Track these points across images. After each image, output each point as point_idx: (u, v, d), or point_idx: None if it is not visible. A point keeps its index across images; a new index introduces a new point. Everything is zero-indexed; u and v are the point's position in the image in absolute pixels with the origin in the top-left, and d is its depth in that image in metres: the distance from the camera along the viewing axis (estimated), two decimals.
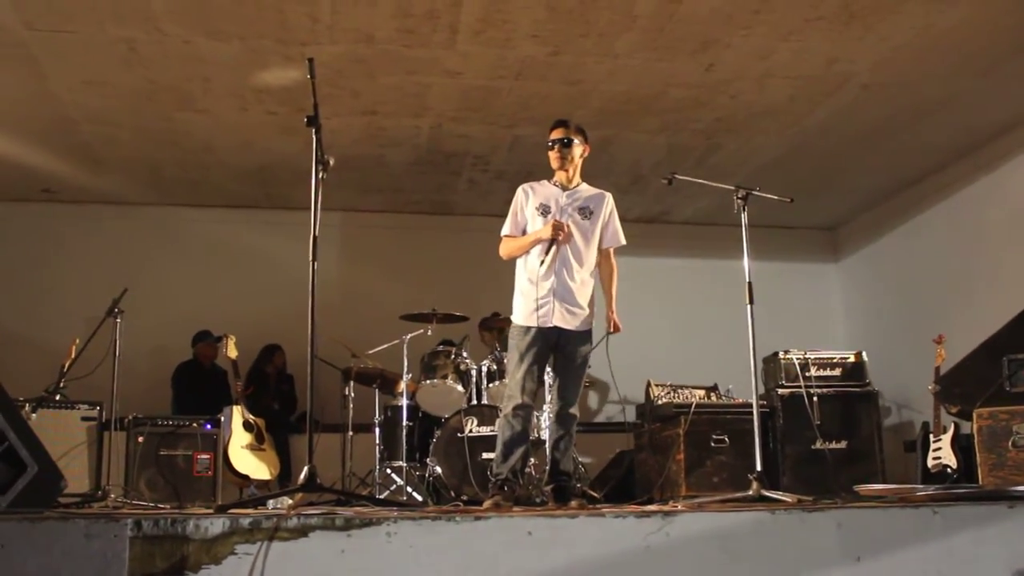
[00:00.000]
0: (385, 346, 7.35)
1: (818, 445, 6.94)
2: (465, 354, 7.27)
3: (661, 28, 5.99)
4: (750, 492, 4.57)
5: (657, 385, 7.27)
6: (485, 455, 6.63)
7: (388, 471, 7.11)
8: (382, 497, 6.49)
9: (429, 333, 7.31)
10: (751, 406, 4.99)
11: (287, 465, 7.51)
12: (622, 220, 5.19)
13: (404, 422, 7.13)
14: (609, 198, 5.16)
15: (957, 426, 6.83)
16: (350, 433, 7.44)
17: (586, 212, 5.05)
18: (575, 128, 5.11)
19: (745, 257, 5.03)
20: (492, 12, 5.77)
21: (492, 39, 6.09)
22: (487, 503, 4.73)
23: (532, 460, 6.27)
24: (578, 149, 5.09)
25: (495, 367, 7.13)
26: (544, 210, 5.02)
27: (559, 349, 4.98)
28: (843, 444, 7.06)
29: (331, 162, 4.27)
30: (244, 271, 9.06)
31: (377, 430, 7.37)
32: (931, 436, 7.00)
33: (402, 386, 7.25)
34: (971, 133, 7.74)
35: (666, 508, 3.66)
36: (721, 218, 7.77)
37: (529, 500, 5.99)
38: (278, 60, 6.30)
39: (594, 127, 5.52)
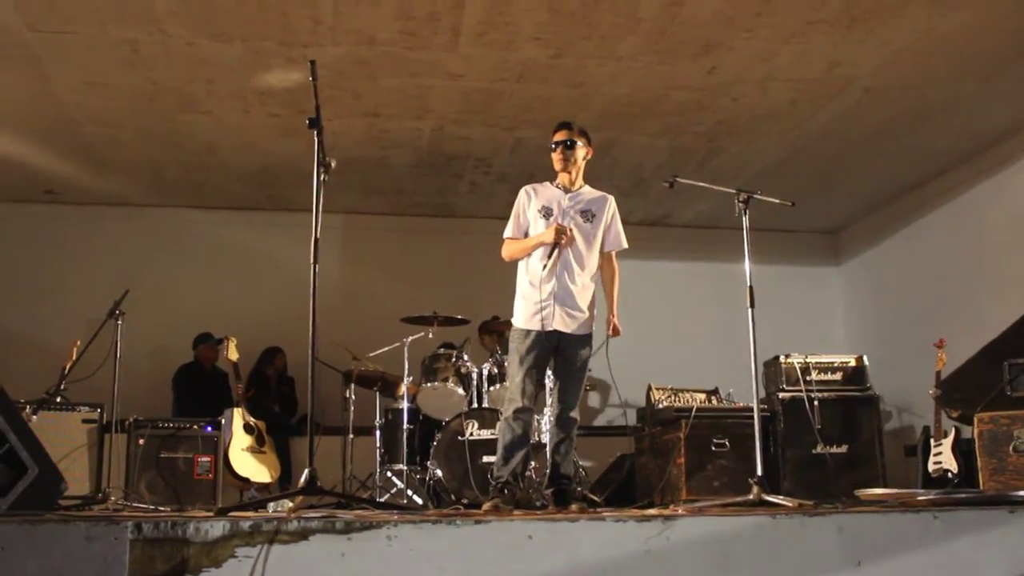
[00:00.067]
0: (386, 349, 7.35)
1: (819, 449, 6.94)
2: (466, 357, 7.27)
3: (663, 31, 5.99)
4: (751, 496, 4.56)
5: (658, 389, 7.27)
6: (486, 458, 6.63)
7: (389, 474, 7.11)
8: (382, 500, 6.48)
9: (430, 336, 7.31)
10: (752, 410, 4.98)
11: (288, 468, 7.51)
12: (623, 223, 5.20)
13: (405, 425, 7.12)
14: (611, 201, 5.16)
15: (958, 431, 6.82)
16: (351, 436, 7.44)
17: (588, 215, 5.05)
18: (578, 130, 5.12)
19: (746, 260, 5.02)
20: (494, 14, 5.77)
21: (494, 41, 6.09)
22: (486, 505, 4.74)
23: (533, 463, 6.28)
24: (581, 151, 5.10)
25: (496, 370, 7.13)
26: (546, 212, 5.02)
27: (559, 352, 4.98)
28: (844, 448, 7.06)
29: (333, 164, 4.26)
30: (246, 273, 9.06)
31: (378, 433, 7.37)
32: (932, 441, 6.99)
33: (403, 389, 7.25)
34: (973, 137, 7.74)
35: (666, 512, 3.66)
36: (722, 221, 7.77)
37: (529, 504, 5.99)
38: (280, 62, 6.31)
39: (596, 130, 5.51)
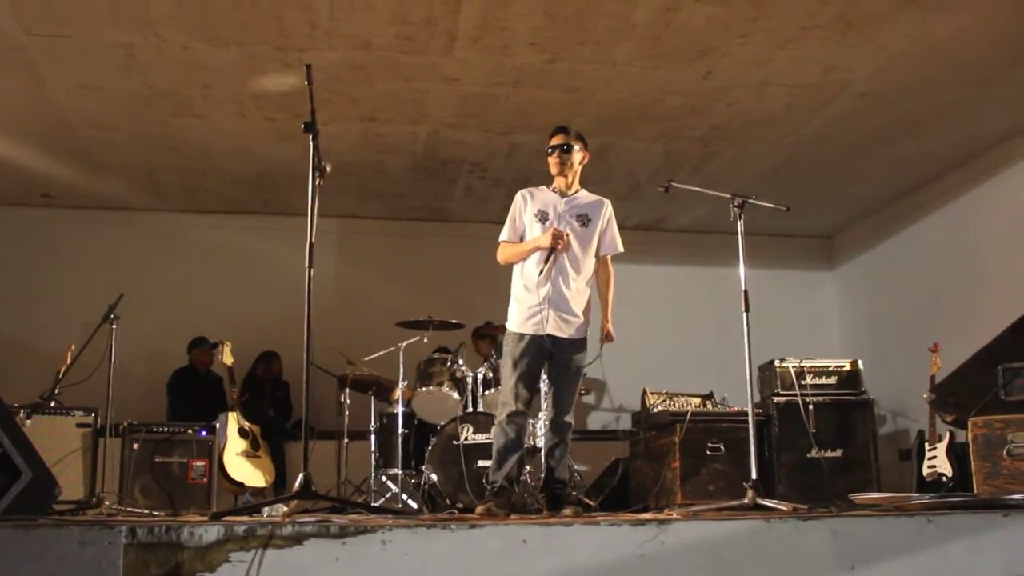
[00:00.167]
0: (381, 353, 7.35)
1: (813, 453, 6.96)
2: (461, 361, 7.27)
3: (658, 36, 6.01)
4: (745, 500, 4.57)
5: (653, 393, 7.27)
6: (481, 463, 6.63)
7: (383, 478, 7.10)
8: (377, 505, 6.47)
9: (425, 340, 7.32)
10: (747, 414, 4.98)
11: (282, 472, 7.49)
12: (619, 227, 5.20)
13: (400, 429, 7.12)
14: (608, 205, 5.16)
15: (952, 435, 6.84)
16: (346, 440, 7.43)
17: (584, 219, 5.04)
18: (575, 135, 5.12)
19: (741, 265, 5.03)
20: (490, 19, 5.78)
21: (490, 46, 6.10)
22: (479, 509, 4.74)
23: (528, 468, 6.27)
24: (578, 156, 5.10)
25: (491, 374, 7.13)
26: (542, 216, 5.02)
27: (553, 357, 4.98)
28: (838, 452, 7.07)
29: (328, 168, 4.26)
30: (241, 277, 9.05)
31: (373, 437, 7.37)
32: (926, 445, 7.01)
33: (398, 393, 7.25)
34: (967, 142, 7.76)
35: (661, 516, 3.66)
36: (718, 226, 7.78)
37: (524, 508, 5.98)
38: (276, 66, 6.31)
39: (591, 134, 5.52)
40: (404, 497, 6.86)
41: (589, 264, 5.06)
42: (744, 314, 4.96)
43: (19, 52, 6.06)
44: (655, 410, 7.10)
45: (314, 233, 4.17)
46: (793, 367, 7.26)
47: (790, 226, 9.66)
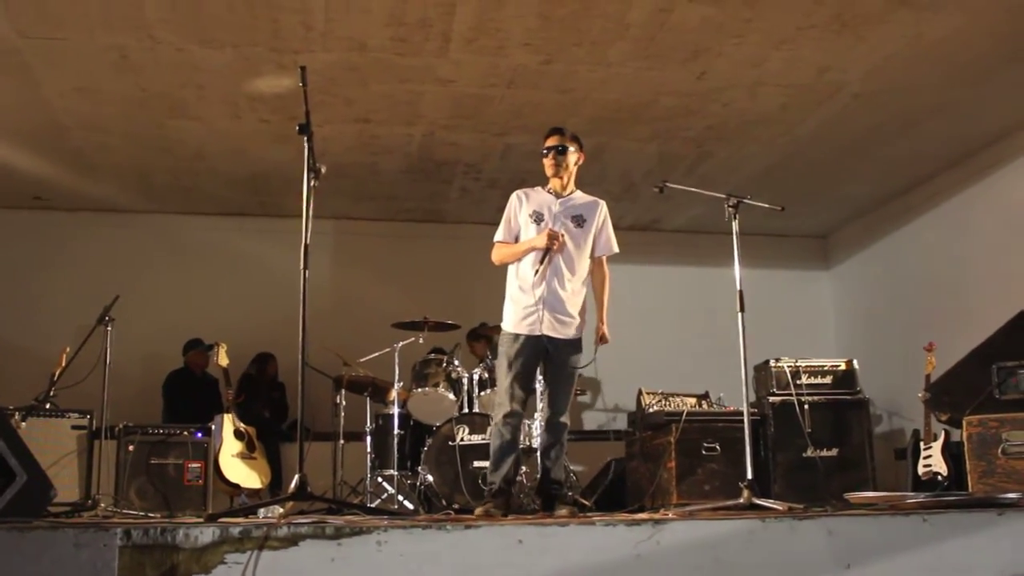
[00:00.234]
0: (376, 354, 7.34)
1: (809, 453, 6.97)
2: (456, 362, 7.27)
3: (653, 37, 6.01)
4: (741, 500, 4.57)
5: (648, 393, 7.27)
6: (476, 463, 6.63)
7: (379, 479, 7.10)
8: (373, 506, 6.47)
9: (421, 341, 7.31)
10: (742, 414, 4.99)
11: (278, 474, 7.49)
12: (614, 228, 5.20)
13: (395, 430, 7.11)
14: (602, 206, 5.16)
15: (947, 434, 6.85)
16: (341, 441, 7.43)
17: (579, 220, 5.05)
18: (570, 136, 5.13)
19: (736, 265, 5.04)
20: (485, 20, 5.78)
21: (484, 47, 6.10)
22: (478, 511, 4.74)
23: (524, 468, 6.28)
24: (573, 157, 5.10)
25: (486, 375, 7.13)
26: (537, 217, 5.03)
27: (549, 357, 4.99)
28: (834, 452, 7.08)
29: (323, 170, 4.26)
30: (236, 279, 9.05)
31: (368, 438, 7.35)
32: (921, 444, 7.02)
33: (393, 394, 7.24)
34: (962, 142, 7.78)
35: (656, 516, 3.67)
36: (713, 226, 7.79)
37: (521, 509, 5.99)
38: (271, 68, 6.30)
39: (586, 135, 5.53)
40: (400, 498, 6.86)
41: (584, 265, 5.06)
42: (739, 314, 4.97)
43: (13, 55, 6.05)
44: (651, 410, 7.10)
45: (309, 235, 4.18)
46: (788, 367, 7.26)
47: (785, 226, 9.68)
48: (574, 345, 5.00)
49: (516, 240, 5.08)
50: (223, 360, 7.41)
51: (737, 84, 6.70)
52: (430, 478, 6.68)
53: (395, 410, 7.17)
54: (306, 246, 4.16)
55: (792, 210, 5.84)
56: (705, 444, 6.78)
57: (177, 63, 6.22)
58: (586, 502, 6.66)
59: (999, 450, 5.08)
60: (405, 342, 7.25)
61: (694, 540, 3.14)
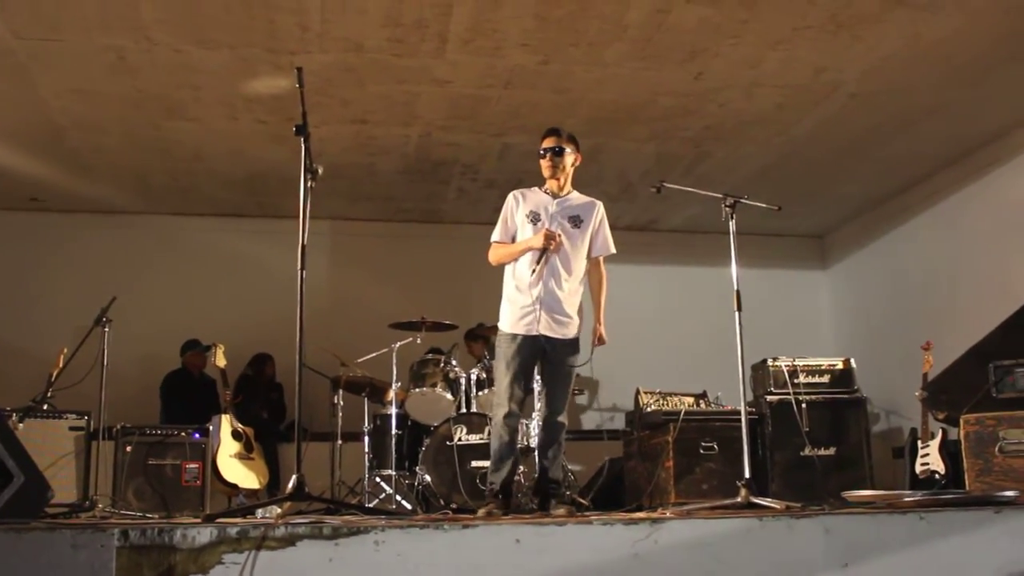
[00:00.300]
0: (374, 354, 7.34)
1: (807, 452, 6.97)
2: (454, 362, 7.27)
3: (650, 38, 6.02)
4: (739, 499, 4.58)
5: (646, 392, 7.27)
6: (474, 463, 6.65)
7: (377, 480, 7.10)
8: (371, 506, 6.47)
9: (418, 341, 7.32)
10: (740, 413, 5.00)
11: (276, 474, 7.49)
12: (611, 228, 5.21)
13: (393, 430, 7.11)
14: (599, 206, 5.17)
15: (945, 432, 6.85)
16: (339, 442, 7.43)
17: (576, 220, 5.06)
18: (567, 137, 5.13)
19: (733, 265, 5.04)
20: (481, 21, 5.78)
21: (481, 48, 6.10)
22: (480, 511, 4.75)
23: (522, 468, 6.28)
24: (570, 158, 5.11)
25: (484, 375, 7.14)
26: (534, 217, 5.03)
27: (546, 357, 4.99)
28: (832, 451, 7.09)
29: (320, 171, 4.27)
30: (233, 280, 9.05)
31: (366, 439, 7.35)
32: (919, 442, 7.02)
33: (391, 394, 7.24)
34: (959, 141, 7.78)
35: (654, 515, 3.67)
36: (710, 226, 7.80)
37: (520, 508, 5.99)
38: (268, 69, 6.30)
39: (583, 136, 5.53)
40: (398, 498, 6.86)
41: (581, 265, 5.07)
42: (736, 313, 4.97)
43: (9, 56, 6.05)
44: (648, 410, 7.11)
45: (306, 235, 4.18)
46: (786, 366, 7.27)
47: (782, 226, 9.68)
48: (571, 345, 5.01)
49: (513, 240, 5.08)
50: (221, 361, 7.41)
51: (734, 84, 6.71)
52: (428, 478, 6.69)
53: (393, 410, 7.17)
54: (303, 247, 4.16)
55: (789, 210, 5.85)
56: (703, 443, 6.79)
57: (174, 64, 6.22)
58: (584, 501, 6.67)
59: (996, 448, 5.09)
60: (403, 342, 7.26)
61: (692, 539, 3.14)
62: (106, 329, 6.50)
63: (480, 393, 7.12)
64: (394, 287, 9.06)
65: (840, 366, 7.40)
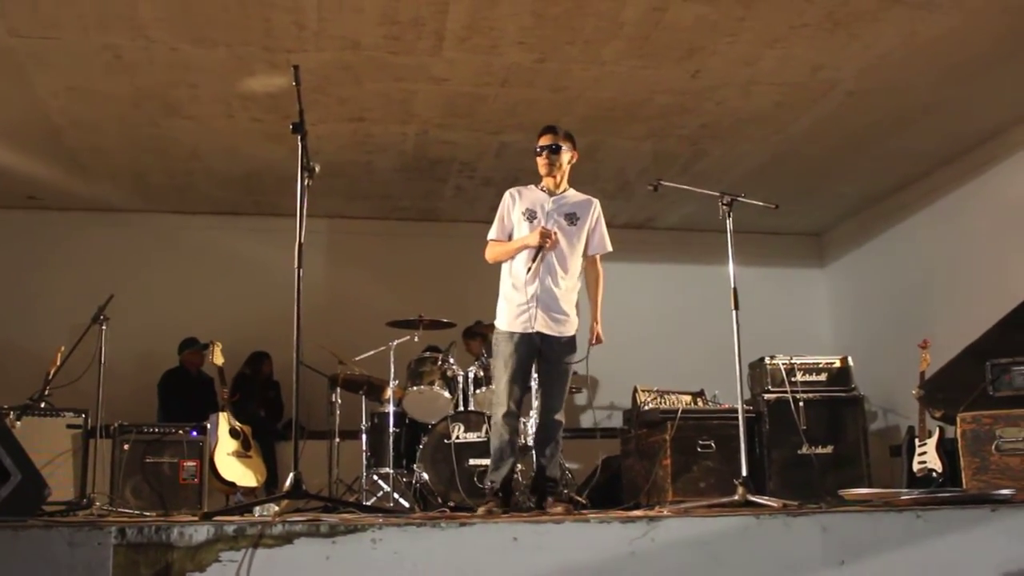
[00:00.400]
0: (372, 352, 7.34)
1: (804, 450, 6.98)
2: (452, 360, 7.27)
3: (647, 36, 6.01)
4: (736, 497, 4.58)
5: (644, 390, 7.28)
6: (472, 461, 6.65)
7: (375, 478, 7.10)
8: (369, 504, 6.47)
9: (416, 339, 7.32)
10: (737, 411, 5.01)
11: (274, 472, 7.49)
12: (608, 226, 5.21)
13: (391, 428, 7.12)
14: (596, 204, 5.17)
15: (942, 430, 6.87)
16: (337, 440, 7.43)
17: (572, 218, 5.06)
18: (563, 134, 5.13)
19: (730, 263, 5.05)
20: (478, 19, 5.78)
21: (478, 46, 6.10)
22: (481, 510, 4.75)
23: (519, 466, 6.29)
24: (566, 155, 5.11)
25: (482, 373, 7.14)
26: (530, 215, 5.03)
27: (543, 355, 4.99)
28: (829, 449, 7.10)
29: (317, 169, 4.27)
30: (230, 278, 9.04)
31: (364, 437, 7.36)
32: (916, 440, 7.03)
33: (389, 392, 7.25)
34: (956, 139, 7.79)
35: (651, 513, 3.67)
36: (707, 224, 7.77)
37: (518, 506, 6.00)
38: (264, 67, 6.30)
39: (580, 134, 5.53)
40: (396, 496, 6.86)
41: (577, 263, 5.07)
42: (734, 312, 4.98)
43: (6, 54, 6.04)
44: (646, 408, 7.12)
45: (303, 233, 4.18)
46: (783, 364, 7.28)
47: (779, 224, 9.69)
48: (568, 343, 5.01)
49: (510, 238, 5.09)
50: (218, 359, 7.41)
51: (731, 82, 6.71)
52: (425, 476, 6.69)
53: (390, 408, 7.18)
54: (300, 245, 4.16)
55: (786, 208, 5.84)
56: (700, 441, 6.80)
57: (171, 63, 6.21)
58: (581, 500, 6.67)
59: (993, 447, 5.09)
60: (400, 340, 7.26)
61: (689, 537, 3.15)
62: (103, 327, 6.49)
63: (478, 391, 7.12)
64: (391, 285, 9.06)
65: (837, 364, 7.41)
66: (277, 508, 5.00)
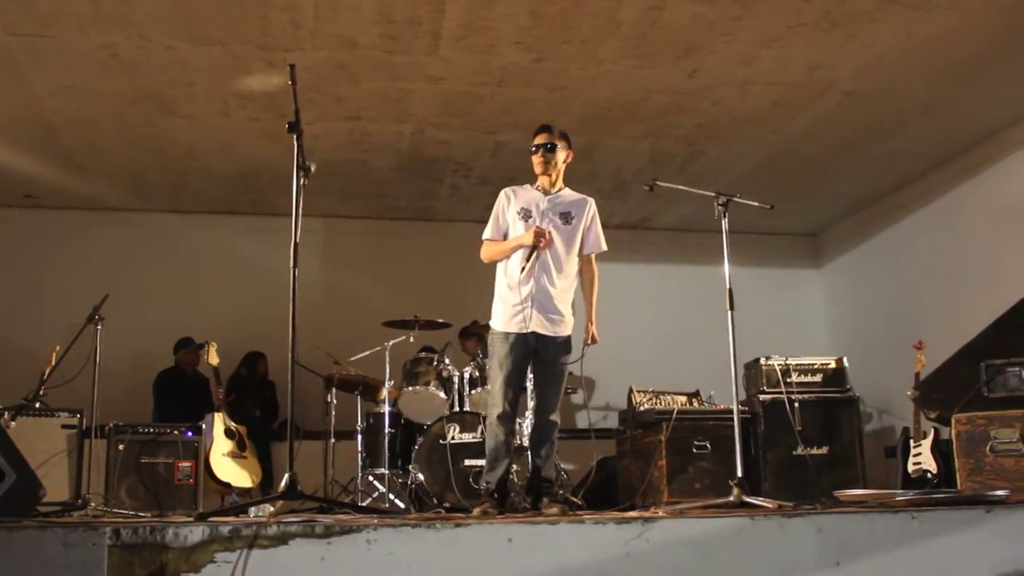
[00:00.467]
0: (367, 353, 7.34)
1: (799, 451, 6.98)
2: (447, 361, 7.27)
3: (644, 35, 6.01)
4: (731, 498, 4.58)
5: (639, 391, 7.27)
6: (468, 462, 6.64)
7: (370, 478, 7.10)
8: (364, 504, 6.47)
9: (411, 340, 7.32)
10: (732, 412, 5.00)
11: (269, 472, 7.47)
12: (604, 226, 5.21)
13: (386, 429, 7.11)
14: (591, 203, 5.17)
15: (937, 431, 6.87)
16: (332, 440, 7.42)
17: (567, 217, 5.06)
18: (559, 133, 5.13)
19: (726, 263, 5.05)
20: (475, 18, 5.77)
21: (475, 45, 6.10)
22: (476, 511, 4.75)
23: (515, 467, 6.28)
24: (561, 154, 5.11)
25: (477, 374, 7.13)
26: (525, 214, 5.03)
27: (538, 356, 4.99)
28: (824, 450, 7.10)
29: (313, 168, 4.26)
30: (226, 277, 9.03)
31: (359, 437, 7.36)
32: (911, 441, 7.04)
33: (384, 393, 7.24)
34: (953, 139, 7.79)
35: (646, 514, 3.67)
36: (703, 224, 7.78)
37: (513, 507, 5.99)
38: (261, 66, 6.29)
39: (577, 133, 5.54)
40: (391, 497, 6.86)
41: (573, 262, 5.07)
42: (729, 312, 4.98)
43: (2, 52, 6.03)
44: (641, 408, 7.11)
45: (299, 233, 4.17)
46: (779, 365, 7.28)
47: (775, 224, 9.70)
48: (564, 343, 5.01)
49: (505, 238, 5.08)
50: (213, 359, 7.39)
51: (728, 82, 6.71)
52: (421, 477, 6.69)
53: (386, 409, 7.17)
54: (296, 244, 4.15)
55: (783, 208, 5.85)
56: (695, 442, 6.80)
57: (167, 61, 6.20)
58: (577, 500, 6.66)
59: (987, 448, 5.09)
60: (395, 341, 7.26)
61: (684, 538, 3.15)
62: (99, 327, 6.47)
63: (473, 391, 7.12)
64: (387, 285, 9.06)
65: (833, 365, 7.41)
66: (272, 509, 4.98)
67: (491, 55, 6.23)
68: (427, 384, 7.11)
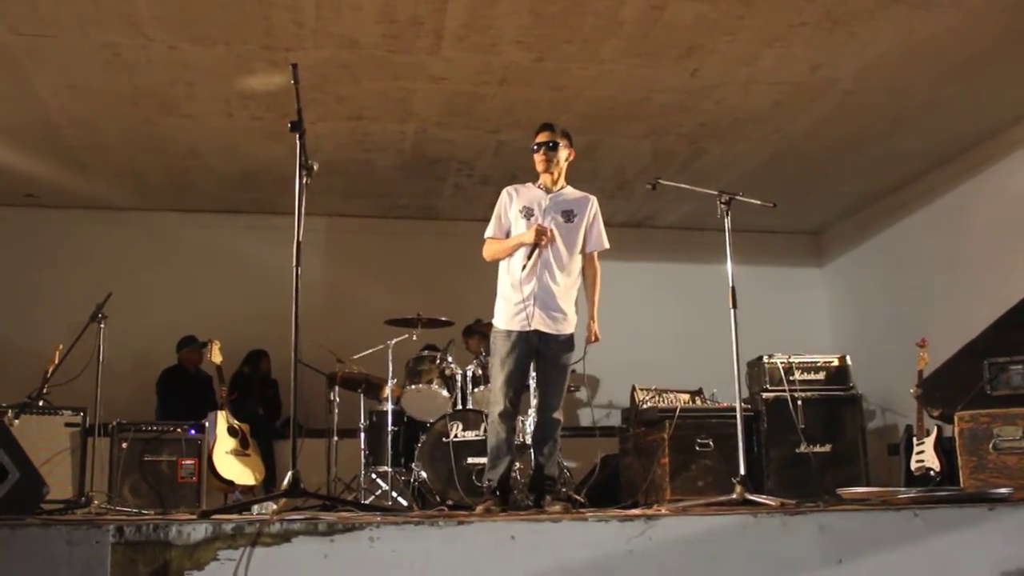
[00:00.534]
0: (370, 351, 7.34)
1: (802, 449, 6.98)
2: (450, 359, 7.27)
3: (646, 34, 6.01)
4: (734, 496, 4.59)
5: (642, 389, 7.28)
6: (470, 460, 6.65)
7: (373, 476, 7.10)
8: (367, 502, 6.47)
9: (414, 338, 7.32)
10: (735, 410, 5.01)
11: (272, 470, 7.49)
12: (607, 225, 5.21)
13: (389, 427, 7.12)
14: (593, 201, 5.18)
15: (940, 429, 6.87)
16: (335, 438, 7.43)
17: (569, 215, 5.06)
18: (560, 132, 5.14)
19: (728, 261, 5.05)
20: (477, 18, 5.78)
21: (477, 45, 6.10)
22: (479, 508, 4.76)
23: (518, 465, 6.29)
24: (563, 153, 5.11)
25: (480, 372, 7.14)
26: (527, 213, 5.04)
27: (541, 354, 4.99)
28: (827, 448, 7.10)
29: (315, 167, 4.27)
30: (229, 276, 9.04)
31: (362, 435, 7.36)
32: (914, 439, 7.04)
33: (387, 391, 7.24)
34: (955, 138, 7.79)
35: (649, 512, 3.68)
36: (705, 223, 7.81)
37: (516, 505, 6.00)
38: (263, 65, 6.29)
39: (579, 132, 5.54)
40: (394, 494, 6.86)
41: (575, 260, 5.07)
42: (732, 310, 4.98)
43: (4, 52, 6.03)
44: (644, 406, 7.12)
45: (302, 232, 4.17)
46: (782, 363, 7.29)
47: (778, 223, 9.70)
48: (566, 341, 5.01)
49: (507, 236, 5.09)
50: (216, 357, 7.41)
51: (730, 81, 6.71)
52: (424, 474, 6.70)
53: (389, 407, 7.18)
54: (299, 243, 4.16)
55: (785, 207, 5.85)
56: (698, 440, 6.80)
57: (169, 61, 6.21)
58: (580, 498, 6.67)
59: (990, 445, 5.09)
60: (398, 339, 7.26)
61: (686, 536, 3.15)
62: (102, 325, 6.48)
63: (476, 389, 7.12)
64: (390, 284, 9.06)
65: (836, 363, 7.42)
66: (275, 506, 5.00)
67: (493, 54, 6.23)
68: (430, 382, 7.12)
